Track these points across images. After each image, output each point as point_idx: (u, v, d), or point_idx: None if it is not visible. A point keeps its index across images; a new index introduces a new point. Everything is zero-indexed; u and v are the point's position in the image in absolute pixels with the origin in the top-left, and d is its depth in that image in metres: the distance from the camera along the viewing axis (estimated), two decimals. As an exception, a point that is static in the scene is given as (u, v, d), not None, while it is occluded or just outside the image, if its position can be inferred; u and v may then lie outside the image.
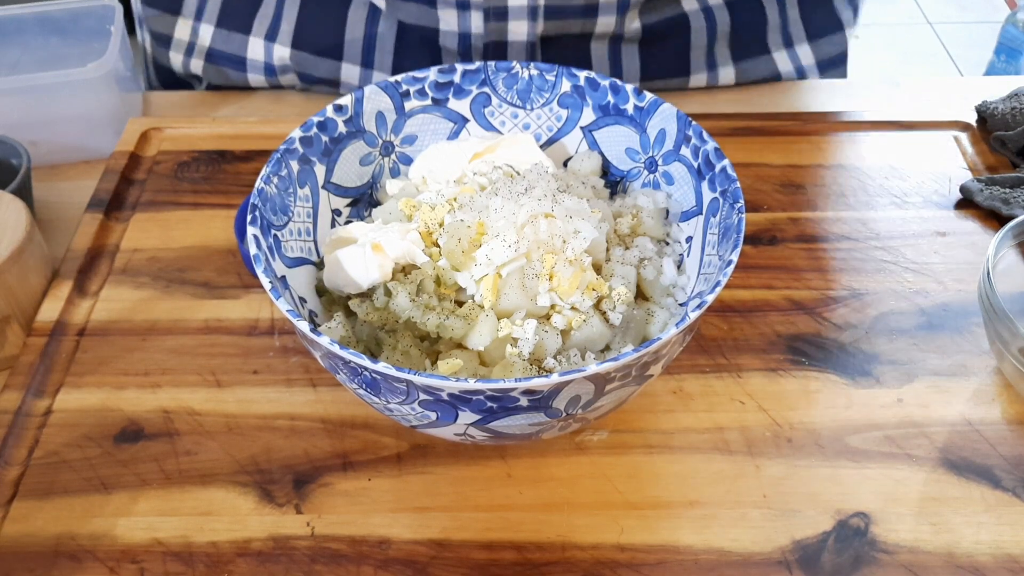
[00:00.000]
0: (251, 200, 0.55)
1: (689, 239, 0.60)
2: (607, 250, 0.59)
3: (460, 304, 0.56)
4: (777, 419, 0.60)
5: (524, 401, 0.47)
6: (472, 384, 0.45)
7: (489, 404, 0.47)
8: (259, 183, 0.56)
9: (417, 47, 0.85)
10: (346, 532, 0.54)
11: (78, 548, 0.53)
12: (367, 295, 0.57)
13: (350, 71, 0.86)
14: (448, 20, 0.81)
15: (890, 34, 2.54)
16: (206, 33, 0.88)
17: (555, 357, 0.54)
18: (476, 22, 0.80)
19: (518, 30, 0.81)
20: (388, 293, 0.55)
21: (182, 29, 0.89)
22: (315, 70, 0.86)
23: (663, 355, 0.50)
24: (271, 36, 0.86)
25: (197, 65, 0.89)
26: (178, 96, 0.89)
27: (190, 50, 0.89)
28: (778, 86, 0.90)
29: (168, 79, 0.94)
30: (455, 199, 0.59)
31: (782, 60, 0.90)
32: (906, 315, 0.66)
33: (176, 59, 0.90)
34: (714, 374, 0.62)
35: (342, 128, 0.63)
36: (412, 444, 0.58)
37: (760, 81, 0.90)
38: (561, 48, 0.84)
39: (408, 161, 0.66)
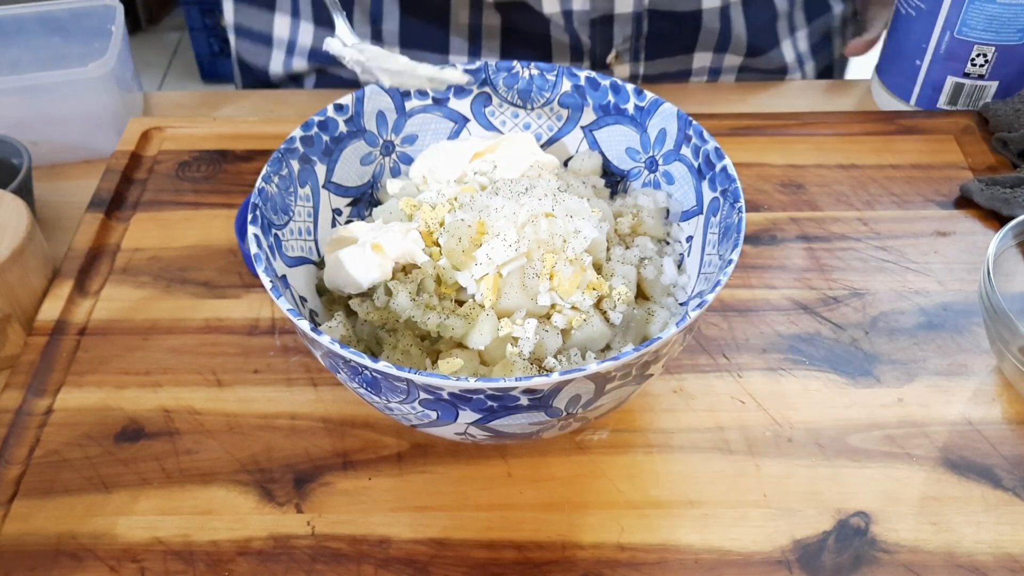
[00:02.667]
0: (252, 199, 0.55)
1: (689, 239, 0.60)
2: (607, 249, 0.59)
3: (460, 303, 0.56)
4: (777, 419, 0.60)
5: (524, 400, 0.47)
6: (472, 383, 0.45)
7: (489, 403, 0.47)
8: (260, 182, 0.56)
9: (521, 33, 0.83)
10: (346, 531, 0.54)
11: (79, 547, 0.53)
12: (367, 294, 0.57)
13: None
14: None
15: (890, 34, 2.53)
16: (306, 32, 0.85)
17: (555, 356, 0.54)
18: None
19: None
20: (388, 292, 0.55)
21: (280, 27, 0.87)
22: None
23: (663, 354, 0.50)
24: (376, 36, 0.84)
25: (300, 64, 0.87)
26: (178, 96, 0.89)
27: (291, 48, 0.87)
28: (778, 85, 0.90)
29: (262, 82, 0.92)
30: (456, 198, 0.59)
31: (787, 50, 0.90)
32: (906, 315, 0.66)
33: (277, 59, 0.88)
34: (714, 373, 0.62)
35: (343, 127, 0.63)
36: (412, 443, 0.58)
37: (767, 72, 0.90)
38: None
39: (409, 160, 0.66)
